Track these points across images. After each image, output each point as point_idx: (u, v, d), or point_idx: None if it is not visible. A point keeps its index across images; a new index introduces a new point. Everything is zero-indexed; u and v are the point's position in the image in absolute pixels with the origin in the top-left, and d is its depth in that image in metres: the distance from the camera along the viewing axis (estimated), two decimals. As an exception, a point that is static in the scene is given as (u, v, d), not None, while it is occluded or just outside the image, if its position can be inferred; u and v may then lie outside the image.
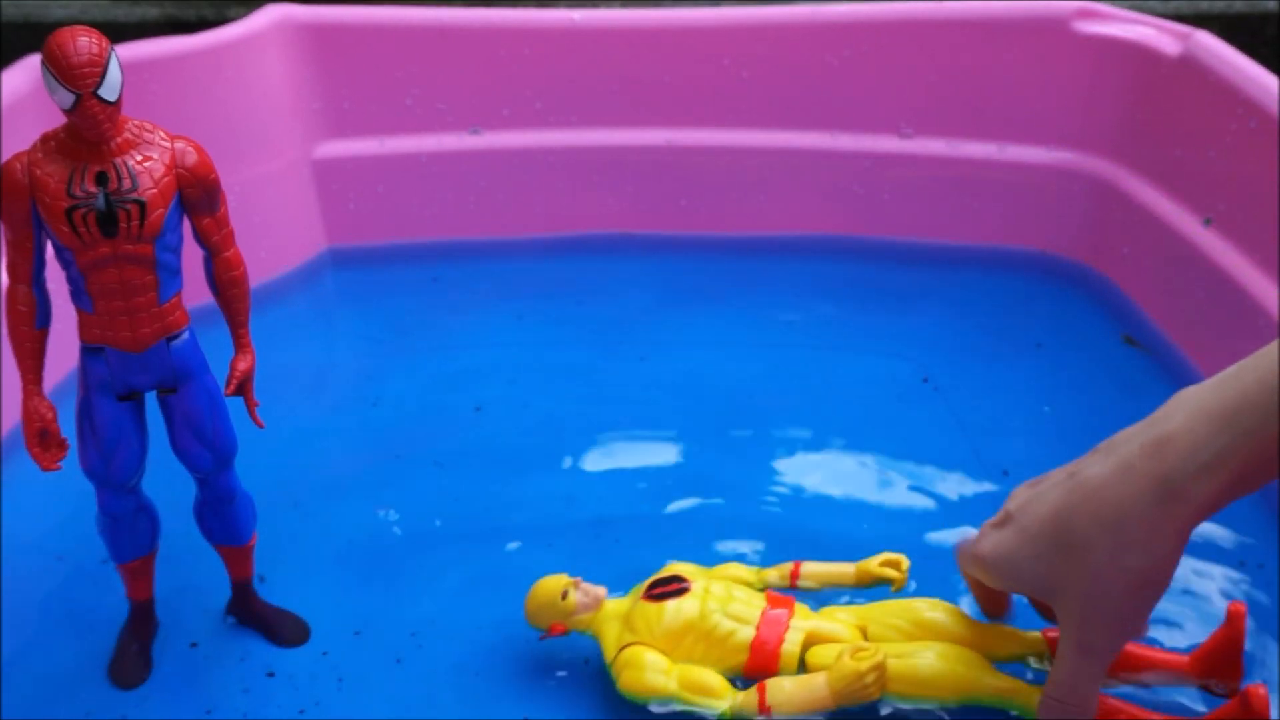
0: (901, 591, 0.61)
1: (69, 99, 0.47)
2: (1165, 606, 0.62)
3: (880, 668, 0.53)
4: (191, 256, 0.53)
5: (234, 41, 0.84)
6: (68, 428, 0.53)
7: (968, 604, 0.60)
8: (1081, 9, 0.89)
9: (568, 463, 0.74)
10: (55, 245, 0.50)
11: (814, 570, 0.61)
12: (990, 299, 0.91)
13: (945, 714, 0.55)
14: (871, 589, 0.61)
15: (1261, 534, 0.67)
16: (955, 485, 0.72)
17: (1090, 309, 0.89)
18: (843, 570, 0.61)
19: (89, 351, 0.52)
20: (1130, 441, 0.48)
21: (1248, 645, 0.57)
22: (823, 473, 0.73)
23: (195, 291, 0.54)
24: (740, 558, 0.65)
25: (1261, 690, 0.52)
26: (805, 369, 0.83)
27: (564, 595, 0.58)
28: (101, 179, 0.48)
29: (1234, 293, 0.78)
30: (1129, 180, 0.89)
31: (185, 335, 0.53)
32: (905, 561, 0.61)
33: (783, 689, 0.54)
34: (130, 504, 0.56)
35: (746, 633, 0.56)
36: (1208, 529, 0.67)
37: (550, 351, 0.85)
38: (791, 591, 0.61)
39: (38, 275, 0.51)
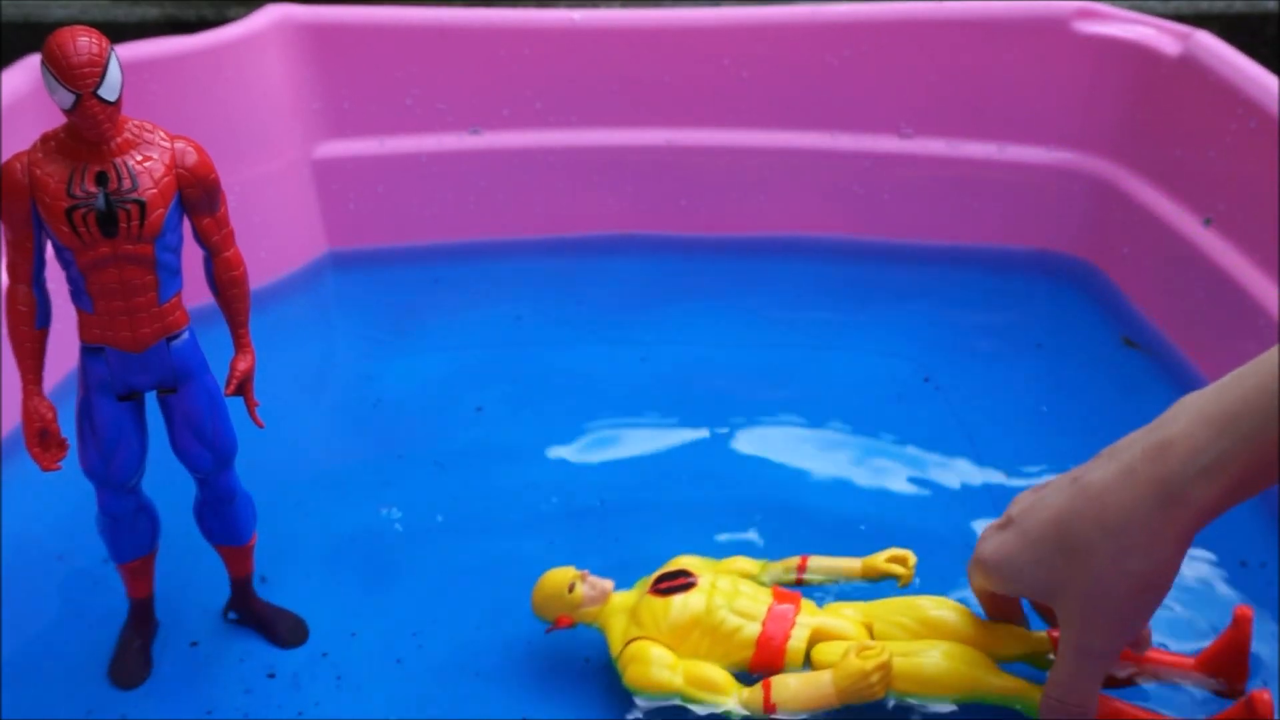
0: (905, 589, 0.61)
1: (69, 99, 0.47)
2: (1166, 606, 0.62)
3: (886, 667, 0.53)
4: (191, 256, 0.53)
5: (234, 41, 0.84)
6: (68, 428, 0.53)
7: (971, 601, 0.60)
8: (1081, 9, 0.89)
9: (569, 463, 0.74)
10: (55, 245, 0.50)
11: (821, 564, 0.61)
12: (990, 299, 0.91)
13: (949, 712, 0.56)
14: (877, 584, 0.61)
15: (1261, 534, 0.67)
16: (955, 484, 0.72)
17: (1090, 309, 0.89)
18: (849, 565, 0.61)
19: (89, 351, 0.52)
20: (1133, 447, 0.49)
21: (1253, 645, 0.57)
22: (823, 472, 0.73)
23: (195, 292, 0.54)
24: (743, 553, 0.64)
25: (1266, 695, 0.52)
26: (805, 368, 0.83)
27: (571, 588, 0.58)
28: (101, 179, 0.48)
29: (1234, 293, 0.78)
30: (1129, 180, 0.89)
31: (185, 335, 0.53)
32: (912, 558, 0.61)
33: (788, 686, 0.54)
34: (130, 504, 0.56)
35: (752, 629, 0.56)
36: (1208, 529, 0.67)
37: (550, 351, 0.85)
38: (797, 586, 0.61)
39: (38, 275, 0.51)
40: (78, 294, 0.51)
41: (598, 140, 0.94)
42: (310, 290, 0.92)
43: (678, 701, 0.55)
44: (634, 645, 0.56)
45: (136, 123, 0.50)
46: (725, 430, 0.77)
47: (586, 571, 0.59)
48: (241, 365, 0.55)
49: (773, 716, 0.54)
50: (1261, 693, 0.52)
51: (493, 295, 0.91)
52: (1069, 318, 0.89)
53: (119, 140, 0.49)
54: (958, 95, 0.92)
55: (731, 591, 0.57)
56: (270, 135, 0.89)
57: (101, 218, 0.48)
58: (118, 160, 0.49)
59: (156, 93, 0.81)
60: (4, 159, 0.49)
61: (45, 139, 0.49)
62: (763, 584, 0.60)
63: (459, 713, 0.58)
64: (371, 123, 0.92)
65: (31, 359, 0.52)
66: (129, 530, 0.57)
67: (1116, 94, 0.89)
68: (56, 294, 0.52)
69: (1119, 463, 0.49)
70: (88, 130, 0.47)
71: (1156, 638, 0.60)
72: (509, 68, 0.91)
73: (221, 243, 0.53)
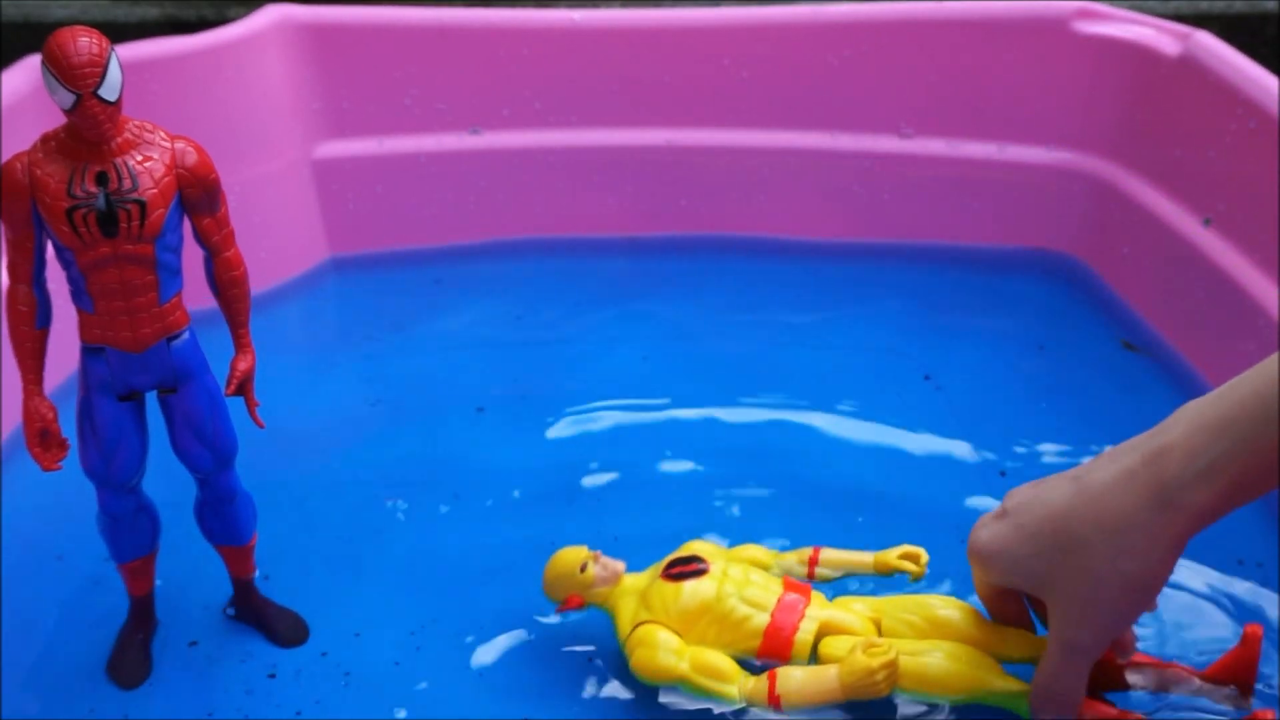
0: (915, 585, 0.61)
1: (69, 99, 0.47)
2: (1165, 607, 0.62)
3: (892, 665, 0.54)
4: (192, 257, 0.53)
5: (234, 41, 0.84)
6: (68, 428, 0.53)
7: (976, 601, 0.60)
8: (1081, 9, 0.89)
9: (570, 462, 0.74)
10: (56, 245, 0.50)
11: (833, 557, 0.61)
12: (990, 299, 0.91)
13: (952, 712, 0.56)
14: (888, 579, 0.62)
15: (1261, 534, 0.67)
16: (955, 484, 0.72)
17: (1090, 309, 0.89)
18: (861, 559, 0.61)
19: (89, 351, 0.53)
20: (1134, 450, 0.49)
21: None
22: (823, 471, 0.73)
23: (196, 294, 0.54)
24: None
25: (1270, 716, 0.53)
26: (805, 368, 0.83)
27: (583, 568, 0.58)
28: (102, 179, 0.48)
29: (1233, 293, 0.78)
30: (1129, 180, 0.89)
31: (185, 335, 0.53)
32: (924, 555, 0.61)
33: (793, 678, 0.55)
34: (130, 504, 0.56)
35: (761, 619, 0.56)
36: (1208, 530, 0.67)
37: (551, 351, 0.85)
38: (808, 580, 0.61)
39: (38, 275, 0.51)
40: (78, 294, 0.51)
41: (598, 140, 0.94)
42: (309, 290, 0.92)
43: (682, 689, 0.56)
44: (642, 629, 0.56)
45: (137, 123, 0.50)
46: (725, 430, 0.77)
47: (599, 552, 0.59)
48: (242, 365, 0.55)
49: (776, 709, 0.55)
50: (1266, 713, 0.53)
51: (492, 295, 0.91)
52: (1068, 318, 0.89)
53: (119, 140, 0.49)
54: (957, 95, 0.92)
55: (742, 580, 0.57)
56: (270, 135, 0.89)
57: (102, 218, 0.48)
58: (118, 160, 0.49)
59: (156, 93, 0.81)
60: (4, 159, 0.49)
61: (45, 139, 0.49)
62: (774, 574, 0.60)
63: (460, 712, 0.58)
64: (371, 123, 0.92)
65: (32, 359, 0.52)
66: (129, 530, 0.57)
67: (1116, 94, 0.89)
68: (57, 294, 0.52)
69: (1119, 465, 0.49)
70: (88, 130, 0.48)
71: (1155, 639, 0.60)
72: (509, 68, 0.91)
73: (222, 243, 0.53)
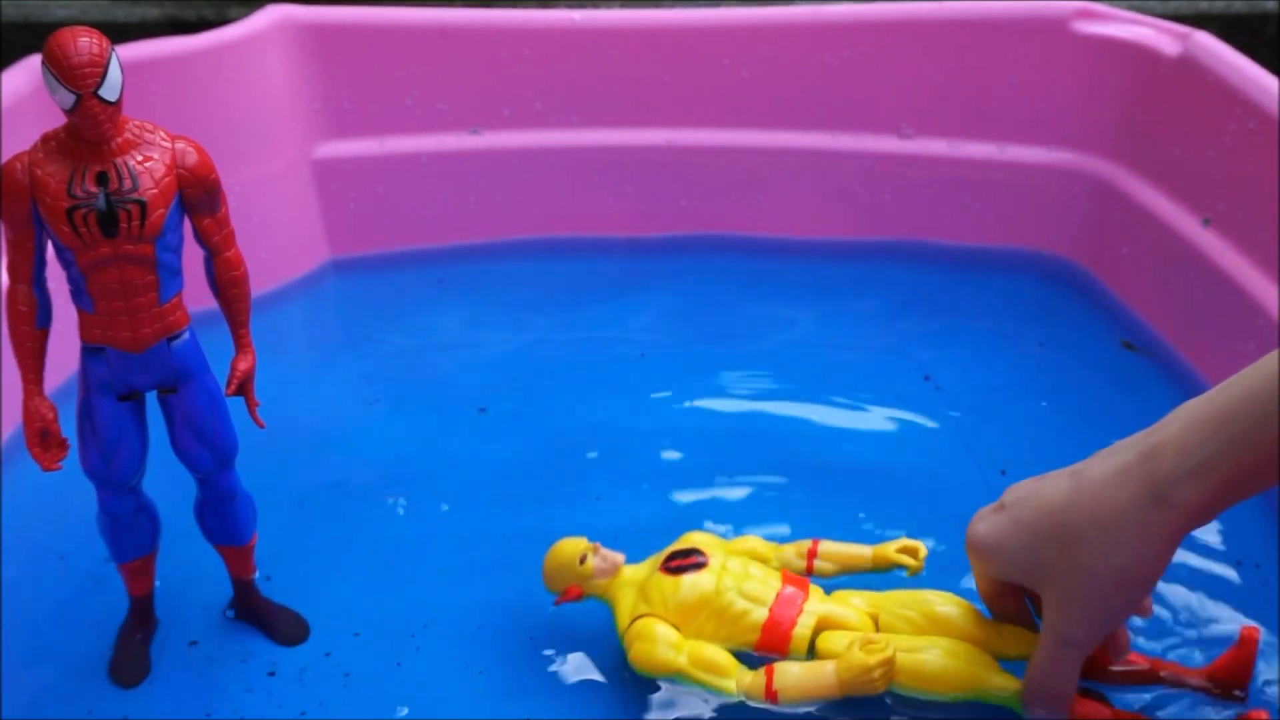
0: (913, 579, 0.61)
1: (69, 99, 0.47)
2: (1165, 608, 0.62)
3: (889, 662, 0.54)
4: (192, 257, 0.53)
5: (234, 41, 0.84)
6: (68, 428, 0.53)
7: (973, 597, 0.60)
8: (1081, 9, 0.89)
9: (571, 462, 0.74)
10: (56, 245, 0.50)
11: (832, 550, 0.62)
12: (990, 299, 0.91)
13: (947, 710, 0.56)
14: (886, 573, 0.62)
15: (1261, 534, 0.67)
16: (955, 483, 0.72)
17: (1089, 309, 0.89)
18: (860, 553, 0.62)
19: (89, 351, 0.53)
20: (1131, 448, 0.50)
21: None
22: (822, 471, 0.73)
23: (196, 294, 0.54)
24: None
25: (1264, 716, 0.53)
26: (806, 368, 0.83)
27: (582, 559, 0.58)
28: (102, 179, 0.49)
29: (1233, 293, 0.78)
30: (1128, 180, 0.89)
31: (186, 335, 0.53)
32: (923, 549, 0.61)
33: (790, 673, 0.55)
34: (130, 504, 0.56)
35: (760, 613, 0.57)
36: (1207, 529, 0.67)
37: (552, 351, 0.86)
38: (806, 573, 0.61)
39: (38, 275, 0.51)
40: (78, 294, 0.51)
41: (598, 140, 0.94)
42: (310, 290, 0.92)
43: (680, 682, 0.56)
44: (640, 622, 0.57)
45: (137, 123, 0.50)
46: (725, 429, 0.77)
47: (598, 544, 0.59)
48: (242, 365, 0.55)
49: (773, 704, 0.55)
50: (1260, 713, 0.53)
51: (493, 295, 0.91)
52: (1068, 317, 0.89)
53: (119, 140, 0.49)
54: (958, 95, 0.92)
55: (741, 574, 0.58)
56: (270, 135, 0.89)
57: (102, 218, 0.49)
58: (118, 160, 0.49)
59: (157, 93, 0.81)
60: (4, 159, 0.49)
61: (45, 139, 0.49)
62: (773, 567, 0.60)
63: (461, 712, 0.58)
64: (372, 123, 0.92)
65: (32, 359, 0.52)
66: (129, 530, 0.57)
67: (1116, 94, 0.89)
68: (57, 294, 0.52)
69: (1116, 461, 0.50)
70: (88, 130, 0.48)
71: (1155, 640, 0.60)
72: (509, 68, 0.91)
73: (222, 243, 0.53)
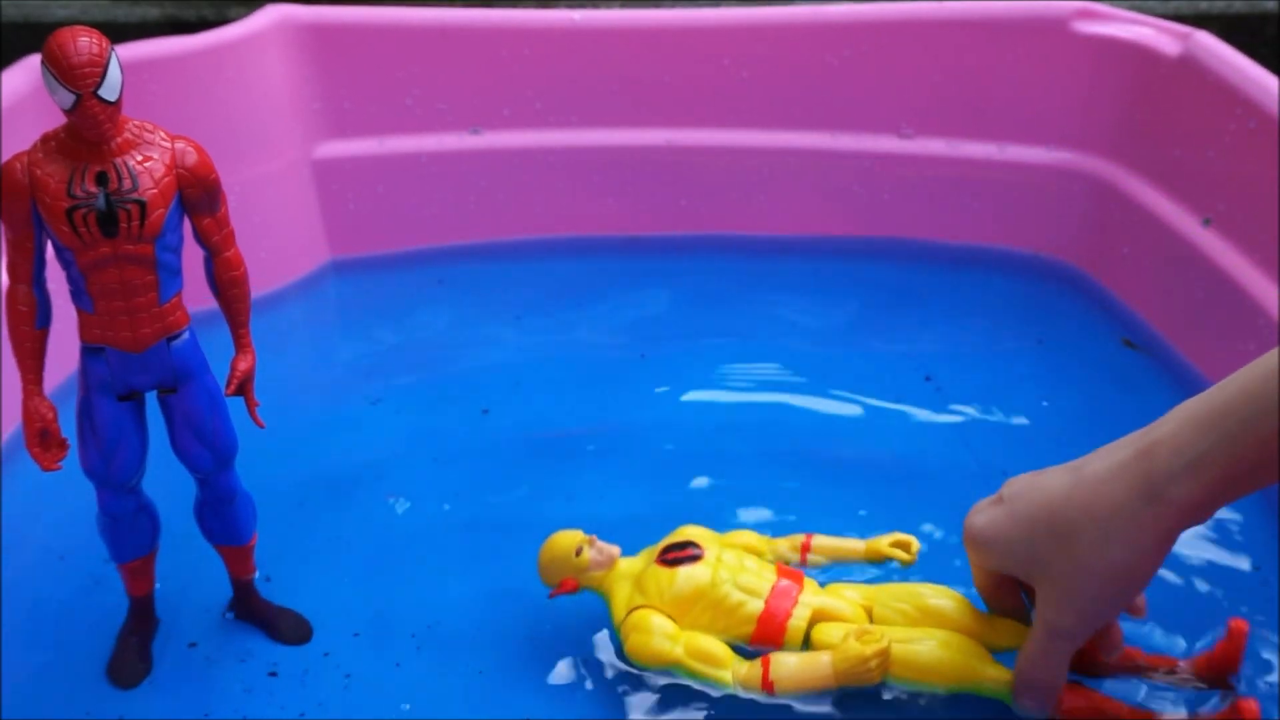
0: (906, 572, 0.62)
1: (69, 99, 0.47)
2: (1165, 608, 0.62)
3: (884, 653, 0.54)
4: (192, 257, 0.53)
5: (234, 41, 0.84)
6: (68, 428, 0.53)
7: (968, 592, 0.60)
8: (1081, 9, 0.89)
9: (572, 462, 0.74)
10: (55, 245, 0.50)
11: (825, 544, 0.62)
12: (990, 299, 0.91)
13: (942, 701, 0.56)
14: (879, 566, 0.62)
15: (1261, 534, 0.67)
16: (954, 484, 0.72)
17: (1090, 309, 0.89)
18: (853, 546, 0.62)
19: (89, 351, 0.53)
20: (1129, 445, 0.51)
21: (1249, 645, 0.57)
22: (822, 471, 0.73)
23: (196, 294, 0.54)
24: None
25: (1253, 704, 0.53)
26: (805, 367, 0.83)
27: (578, 552, 0.59)
28: (102, 179, 0.48)
29: (1233, 293, 0.78)
30: (1128, 180, 0.89)
31: (185, 335, 0.53)
32: (915, 544, 0.62)
33: (786, 664, 0.55)
34: (130, 504, 0.56)
35: (755, 605, 0.57)
36: (1208, 528, 0.67)
37: (552, 351, 0.85)
38: (800, 567, 0.62)
39: (38, 275, 0.51)
40: (78, 294, 0.51)
41: (598, 140, 0.94)
42: (310, 289, 0.92)
43: (676, 674, 0.56)
44: (636, 614, 0.57)
45: (137, 123, 0.50)
46: (725, 428, 0.77)
47: (594, 536, 0.59)
48: (242, 365, 0.55)
49: (769, 694, 0.55)
50: (1249, 701, 0.53)
51: (493, 295, 0.91)
52: (1069, 317, 0.89)
53: (119, 140, 0.49)
54: (957, 95, 0.92)
55: (737, 566, 0.58)
56: (270, 135, 0.89)
57: (102, 218, 0.49)
58: (118, 160, 0.49)
59: (156, 93, 0.81)
60: (4, 159, 0.49)
61: (45, 139, 0.49)
62: (767, 560, 0.61)
63: (461, 712, 0.58)
64: (371, 123, 0.92)
65: (32, 359, 0.52)
66: (129, 530, 0.57)
67: (1116, 94, 0.89)
68: (56, 294, 0.52)
69: (1114, 458, 0.50)
70: (88, 130, 0.48)
71: (1154, 640, 0.60)
72: (509, 68, 0.91)
73: (222, 243, 0.53)
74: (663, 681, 0.57)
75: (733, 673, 0.56)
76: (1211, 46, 0.82)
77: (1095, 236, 0.92)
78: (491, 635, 0.62)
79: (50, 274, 0.52)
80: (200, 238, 0.53)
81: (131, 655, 0.60)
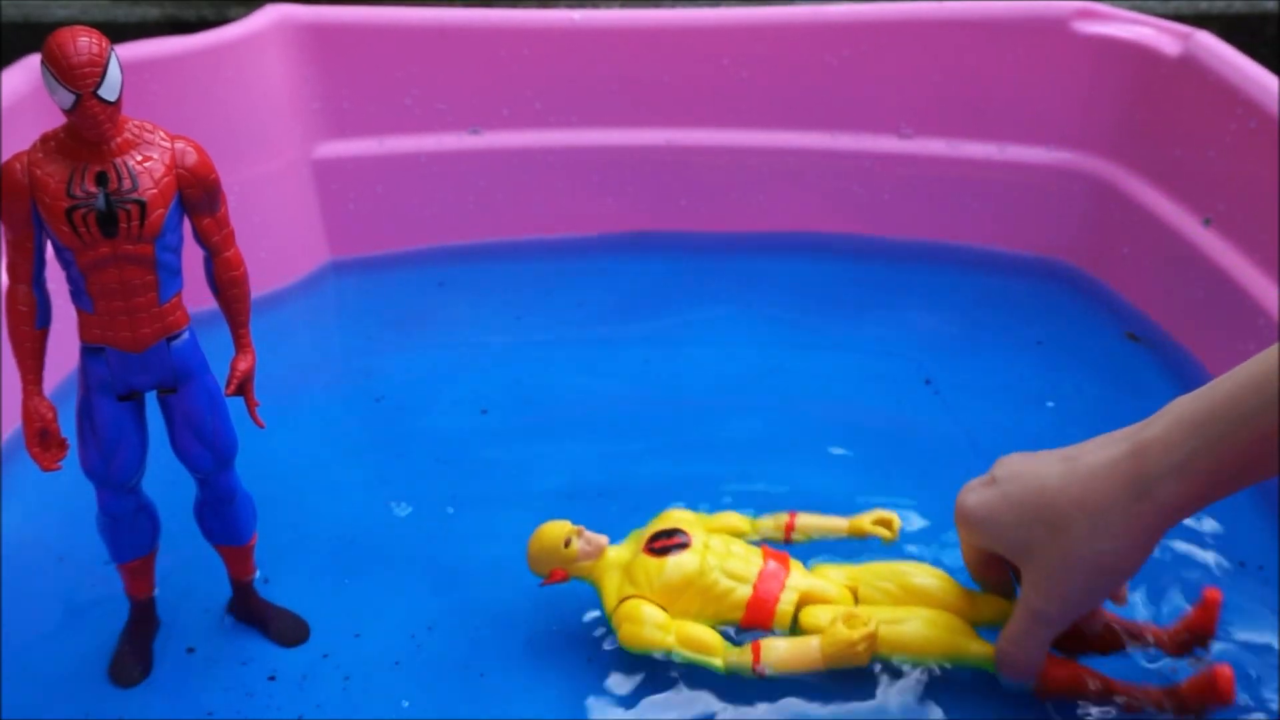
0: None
1: (69, 99, 0.47)
2: (1164, 609, 0.62)
3: (871, 637, 0.56)
4: (192, 257, 0.53)
5: (234, 41, 0.84)
6: (68, 428, 0.53)
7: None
8: (1081, 9, 0.89)
9: (573, 462, 0.74)
10: (55, 245, 0.50)
11: (809, 523, 0.64)
12: (990, 299, 0.91)
13: (927, 673, 0.58)
14: (862, 542, 0.64)
15: (1261, 534, 0.67)
16: (955, 485, 0.72)
17: (1090, 309, 0.89)
18: (836, 524, 0.64)
19: (89, 351, 0.53)
20: (1124, 440, 0.52)
21: (1249, 646, 0.58)
22: (822, 471, 0.73)
23: (196, 294, 0.54)
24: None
25: (1227, 670, 0.55)
26: (806, 368, 0.83)
27: (567, 543, 0.59)
28: (101, 179, 0.48)
29: (1234, 293, 0.78)
30: (1128, 180, 0.89)
31: (185, 335, 0.53)
32: (897, 521, 0.64)
33: (776, 649, 0.56)
34: (130, 504, 0.56)
35: (744, 591, 0.58)
36: (1208, 528, 0.67)
37: (553, 351, 0.85)
38: (785, 546, 0.63)
39: (38, 275, 0.51)
40: (78, 294, 0.51)
41: (598, 140, 0.94)
42: (310, 289, 0.92)
43: (670, 657, 0.57)
44: (628, 604, 0.58)
45: (136, 123, 0.50)
46: (726, 429, 0.77)
47: (582, 527, 0.60)
48: (242, 365, 0.55)
49: (760, 678, 0.56)
50: (1223, 667, 0.55)
51: (493, 295, 0.91)
52: (1069, 317, 0.89)
53: (119, 140, 0.49)
54: (957, 95, 0.92)
55: (724, 552, 0.59)
56: (270, 135, 0.89)
57: (101, 218, 0.48)
58: (118, 160, 0.49)
59: (156, 93, 0.81)
60: (4, 159, 0.49)
61: (45, 139, 0.49)
62: (752, 542, 0.62)
63: (461, 712, 0.58)
64: (371, 123, 0.92)
65: (32, 359, 0.52)
66: (129, 530, 0.57)
67: (1116, 94, 0.89)
68: (56, 294, 0.52)
69: (1108, 452, 0.52)
70: (88, 130, 0.48)
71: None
72: (509, 68, 0.91)
73: (222, 243, 0.53)
74: (663, 682, 0.58)
75: (724, 659, 0.57)
76: (1212, 46, 0.82)
77: (1095, 236, 0.92)
78: (491, 635, 0.62)
79: (50, 274, 0.52)
80: (200, 238, 0.53)
81: (132, 655, 0.60)
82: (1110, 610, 0.59)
